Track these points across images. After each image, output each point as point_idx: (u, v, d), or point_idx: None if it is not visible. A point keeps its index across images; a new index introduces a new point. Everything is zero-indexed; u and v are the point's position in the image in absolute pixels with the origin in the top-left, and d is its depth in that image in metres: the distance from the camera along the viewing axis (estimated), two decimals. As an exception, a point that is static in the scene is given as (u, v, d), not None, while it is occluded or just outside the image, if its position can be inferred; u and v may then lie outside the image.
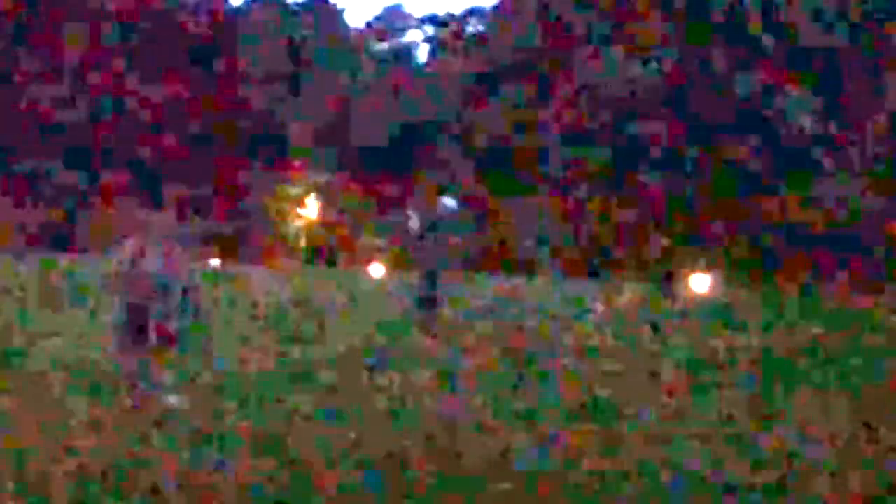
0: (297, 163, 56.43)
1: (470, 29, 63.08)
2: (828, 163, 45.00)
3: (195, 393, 8.71)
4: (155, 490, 5.69)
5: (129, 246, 8.59)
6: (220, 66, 57.70)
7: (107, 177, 53.05)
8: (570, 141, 50.86)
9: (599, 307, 21.81)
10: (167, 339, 8.44)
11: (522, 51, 53.51)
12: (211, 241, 41.19)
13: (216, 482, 5.93)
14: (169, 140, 54.66)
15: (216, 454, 6.59)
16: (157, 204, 12.49)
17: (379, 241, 52.63)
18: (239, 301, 19.52)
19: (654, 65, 49.51)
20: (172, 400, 7.82)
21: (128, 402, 8.20)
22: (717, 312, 21.54)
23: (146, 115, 55.04)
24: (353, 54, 64.25)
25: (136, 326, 8.48)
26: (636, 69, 50.29)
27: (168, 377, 8.51)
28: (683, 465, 6.84)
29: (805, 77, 46.51)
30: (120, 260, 8.53)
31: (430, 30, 65.72)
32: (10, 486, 5.65)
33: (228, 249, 45.67)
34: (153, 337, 8.35)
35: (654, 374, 11.31)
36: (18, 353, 10.99)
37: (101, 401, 8.31)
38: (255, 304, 19.08)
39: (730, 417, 8.72)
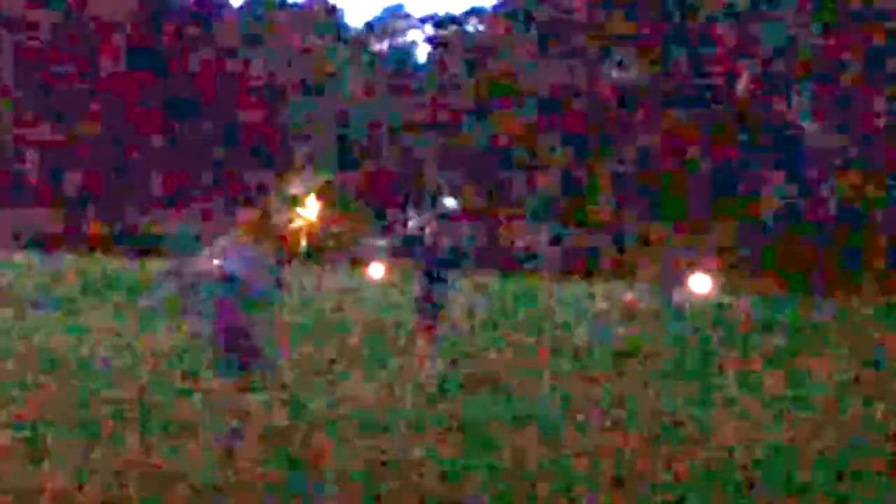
0: (297, 162, 56.36)
1: (470, 29, 63.02)
2: (827, 161, 44.93)
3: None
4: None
5: (221, 246, 8.48)
6: (219, 66, 57.60)
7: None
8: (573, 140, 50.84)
9: (600, 306, 21.79)
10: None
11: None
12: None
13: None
14: (173, 140, 54.65)
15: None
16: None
17: (380, 242, 52.58)
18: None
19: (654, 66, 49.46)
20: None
21: None
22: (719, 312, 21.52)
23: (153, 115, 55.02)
24: (353, 54, 64.17)
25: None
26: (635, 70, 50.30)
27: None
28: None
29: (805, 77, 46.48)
30: (213, 258, 8.41)
31: (430, 30, 65.63)
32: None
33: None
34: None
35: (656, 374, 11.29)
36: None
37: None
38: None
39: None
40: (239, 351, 7.95)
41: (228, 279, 8.10)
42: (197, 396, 8.54)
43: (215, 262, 8.30)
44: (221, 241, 8.35)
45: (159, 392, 8.89)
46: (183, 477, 6.09)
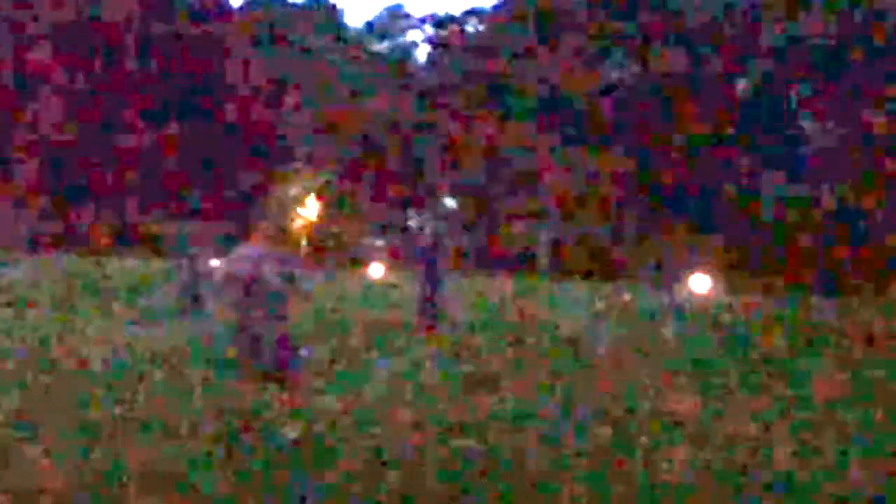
0: (297, 163, 56.35)
1: (470, 29, 63.01)
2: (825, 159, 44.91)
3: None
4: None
5: (245, 250, 8.42)
6: (220, 66, 57.58)
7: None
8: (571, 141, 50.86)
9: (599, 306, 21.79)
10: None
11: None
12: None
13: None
14: (170, 142, 54.61)
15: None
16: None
17: (379, 242, 52.58)
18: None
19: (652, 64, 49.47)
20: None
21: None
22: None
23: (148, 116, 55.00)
24: (353, 54, 64.16)
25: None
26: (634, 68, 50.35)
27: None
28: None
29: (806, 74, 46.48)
30: (235, 263, 8.35)
31: (430, 30, 65.64)
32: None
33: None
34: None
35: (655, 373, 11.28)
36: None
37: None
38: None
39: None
40: (258, 351, 7.93)
41: (240, 280, 8.07)
42: (203, 396, 8.54)
43: (226, 263, 8.27)
44: (230, 243, 8.31)
45: (162, 392, 8.88)
46: (183, 477, 6.09)
